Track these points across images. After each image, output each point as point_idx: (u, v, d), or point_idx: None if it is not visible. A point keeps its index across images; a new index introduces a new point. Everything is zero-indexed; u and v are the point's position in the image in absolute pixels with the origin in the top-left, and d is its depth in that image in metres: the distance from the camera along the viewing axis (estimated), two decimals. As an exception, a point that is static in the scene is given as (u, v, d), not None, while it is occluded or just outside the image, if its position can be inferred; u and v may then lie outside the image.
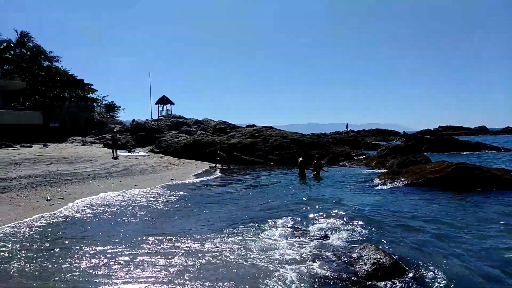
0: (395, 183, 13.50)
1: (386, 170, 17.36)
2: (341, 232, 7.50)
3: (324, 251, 6.24)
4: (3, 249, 6.30)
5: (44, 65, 49.26)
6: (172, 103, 47.49)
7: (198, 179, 17.78)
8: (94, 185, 13.66)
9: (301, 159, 17.98)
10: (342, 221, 8.35)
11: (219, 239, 6.99)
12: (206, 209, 10.13)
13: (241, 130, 32.46)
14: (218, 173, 20.50)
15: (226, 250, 6.32)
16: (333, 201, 11.00)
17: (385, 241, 6.79)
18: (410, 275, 5.25)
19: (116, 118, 51.66)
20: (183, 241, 6.87)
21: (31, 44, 51.13)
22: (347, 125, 64.82)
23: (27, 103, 42.15)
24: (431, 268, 5.46)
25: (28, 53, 50.29)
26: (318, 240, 6.91)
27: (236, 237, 7.15)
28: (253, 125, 34.54)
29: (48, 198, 10.58)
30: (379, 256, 5.46)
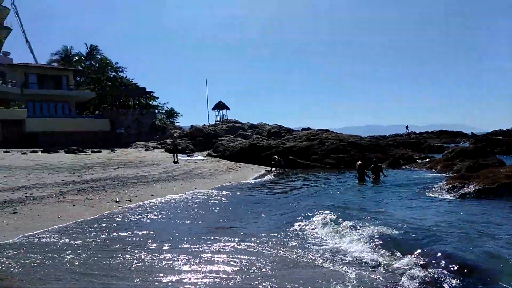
0: (465, 188, 12.53)
1: (453, 174, 16.22)
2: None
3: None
4: (78, 242, 6.79)
5: (111, 75, 52.97)
6: (228, 108, 48.63)
7: (254, 182, 17.96)
8: (157, 188, 14.34)
9: (359, 162, 17.43)
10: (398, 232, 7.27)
11: (276, 239, 6.95)
12: (262, 211, 10.18)
13: (296, 133, 32.27)
14: (273, 177, 20.54)
15: (283, 250, 6.26)
16: (391, 207, 10.47)
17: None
18: None
19: (176, 123, 53.98)
20: (243, 239, 6.93)
21: (99, 56, 55.31)
22: (407, 127, 61.78)
23: (97, 112, 45.55)
24: None
25: (97, 64, 54.42)
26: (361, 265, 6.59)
27: (293, 238, 7.07)
28: (308, 129, 34.18)
29: (117, 200, 11.28)
30: None
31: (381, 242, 6.55)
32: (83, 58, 54.48)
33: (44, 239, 6.97)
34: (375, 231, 7.15)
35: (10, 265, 5.48)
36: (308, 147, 26.62)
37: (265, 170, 23.04)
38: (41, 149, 27.57)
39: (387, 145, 29.24)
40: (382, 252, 6.17)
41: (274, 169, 22.72)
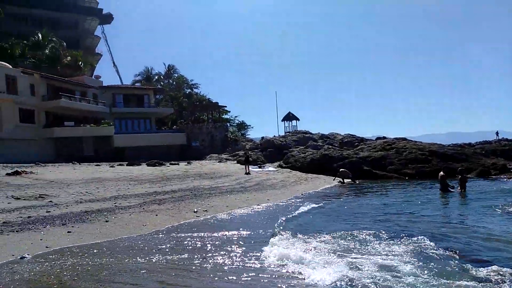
0: None
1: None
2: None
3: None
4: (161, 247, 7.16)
5: (187, 92, 56.24)
6: (297, 119, 48.50)
7: (327, 193, 17.51)
8: (231, 198, 14.67)
9: (442, 173, 16.12)
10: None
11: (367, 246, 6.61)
12: (340, 222, 9.82)
13: (370, 143, 30.97)
14: (346, 188, 19.87)
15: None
16: (480, 226, 9.37)
17: None
18: None
19: (247, 136, 55.32)
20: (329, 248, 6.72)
21: (176, 75, 59.17)
22: (497, 133, 55.87)
23: (174, 126, 48.49)
24: None
25: (174, 82, 58.23)
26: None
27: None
28: (384, 137, 32.59)
29: (195, 210, 11.75)
30: None
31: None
32: (162, 77, 58.78)
33: (133, 243, 7.48)
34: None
35: (103, 260, 5.96)
36: (384, 157, 25.37)
37: (338, 181, 22.41)
38: (126, 162, 29.99)
39: (474, 153, 26.66)
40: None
41: (347, 180, 22.02)
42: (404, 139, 29.31)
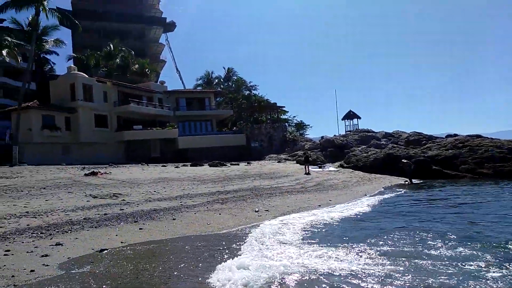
0: None
1: None
2: None
3: None
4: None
5: (246, 93, 57.17)
6: (358, 117, 47.02)
7: (393, 194, 16.68)
8: (292, 199, 14.59)
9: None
10: None
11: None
12: (409, 223, 9.28)
13: (440, 141, 28.99)
14: (413, 188, 18.78)
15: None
16: None
17: None
18: None
19: (306, 135, 54.79)
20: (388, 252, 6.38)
21: (235, 78, 60.45)
22: None
23: (234, 128, 49.52)
24: None
25: (233, 85, 59.52)
26: None
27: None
28: (455, 135, 30.32)
29: (256, 210, 11.85)
30: None
31: None
32: (221, 80, 60.44)
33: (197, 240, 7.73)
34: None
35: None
36: (456, 155, 23.63)
37: (403, 181, 21.30)
38: (190, 163, 31.21)
39: None
40: None
41: (409, 180, 20.92)
42: (479, 136, 26.99)
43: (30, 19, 37.56)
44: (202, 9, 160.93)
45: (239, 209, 11.90)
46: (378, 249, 7.00)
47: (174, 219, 9.87)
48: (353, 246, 7.26)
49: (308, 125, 59.58)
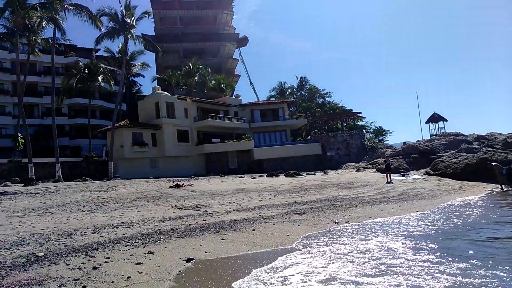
0: None
1: None
2: None
3: None
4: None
5: (319, 102, 56.50)
6: (444, 120, 43.46)
7: (487, 203, 14.97)
8: (373, 209, 13.89)
9: None
10: None
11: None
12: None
13: (546, 142, 25.45)
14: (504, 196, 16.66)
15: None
16: None
17: None
18: None
19: (385, 142, 52.14)
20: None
21: (308, 86, 60.18)
22: None
23: (309, 137, 49.12)
24: None
25: (306, 94, 59.28)
26: None
27: None
28: None
29: (336, 221, 11.50)
30: None
31: None
32: (294, 90, 60.65)
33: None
34: None
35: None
36: None
37: (500, 188, 19.05)
38: (266, 174, 31.59)
39: None
40: None
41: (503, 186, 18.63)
42: None
43: (120, 47, 41.80)
44: (273, 22, 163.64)
45: (317, 220, 11.67)
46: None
47: (254, 230, 10.00)
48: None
49: (388, 130, 56.69)
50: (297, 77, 61.73)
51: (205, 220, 11.19)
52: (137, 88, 61.13)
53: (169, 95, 41.32)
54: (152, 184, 25.08)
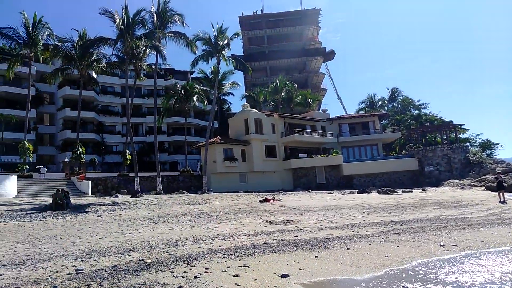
0: None
1: None
2: None
3: None
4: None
5: (414, 113, 52.84)
6: None
7: None
8: (485, 232, 12.27)
9: None
10: None
11: None
12: None
13: None
14: None
15: None
16: None
17: None
18: None
19: (494, 156, 46.40)
20: None
21: (400, 98, 56.80)
22: None
23: (403, 151, 46.05)
24: None
25: (399, 105, 55.96)
26: None
27: None
28: None
29: (441, 243, 10.41)
30: None
31: None
32: (386, 102, 57.80)
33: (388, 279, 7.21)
34: None
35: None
36: None
37: None
38: (357, 190, 30.30)
39: None
40: None
41: None
42: None
43: (212, 68, 44.56)
44: (360, 34, 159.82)
45: (419, 242, 10.69)
46: None
47: (348, 248, 9.54)
48: None
49: (497, 144, 50.46)
50: (388, 89, 59.06)
51: (296, 236, 11.05)
52: (227, 106, 64.28)
53: (257, 111, 42.57)
54: (242, 198, 25.81)
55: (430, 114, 52.50)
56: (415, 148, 42.29)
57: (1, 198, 25.02)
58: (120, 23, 29.67)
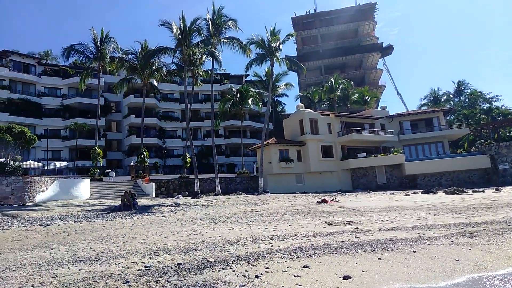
0: None
1: None
2: None
3: None
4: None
5: (484, 107, 48.87)
6: None
7: None
8: None
9: None
10: None
11: None
12: None
13: None
14: None
15: None
16: None
17: None
18: None
19: None
20: None
21: (468, 91, 52.85)
22: None
23: (472, 148, 42.79)
24: None
25: (466, 99, 52.10)
26: None
27: None
28: None
29: (521, 247, 9.49)
30: None
31: None
32: (451, 96, 54.19)
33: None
34: None
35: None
36: None
37: None
38: (421, 190, 28.71)
39: None
40: None
41: None
42: None
43: (266, 71, 44.92)
44: (419, 26, 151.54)
45: (494, 245, 9.84)
46: None
47: (414, 251, 9.06)
48: None
49: None
50: (453, 82, 55.14)
51: (357, 237, 10.74)
52: (281, 107, 64.38)
53: (312, 111, 42.12)
54: (299, 199, 25.65)
55: (503, 107, 48.17)
56: (486, 144, 38.97)
57: (77, 200, 27.35)
58: (178, 33, 31.02)
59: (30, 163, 37.95)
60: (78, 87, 40.93)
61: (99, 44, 36.74)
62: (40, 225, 14.80)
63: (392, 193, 29.32)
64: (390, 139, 42.29)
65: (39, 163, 40.88)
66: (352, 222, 13.80)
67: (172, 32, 31.30)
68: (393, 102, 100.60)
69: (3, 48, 46.86)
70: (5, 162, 26.89)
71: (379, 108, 49.61)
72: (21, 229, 13.88)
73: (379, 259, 8.29)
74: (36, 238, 11.50)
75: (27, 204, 24.38)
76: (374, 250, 9.07)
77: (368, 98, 51.56)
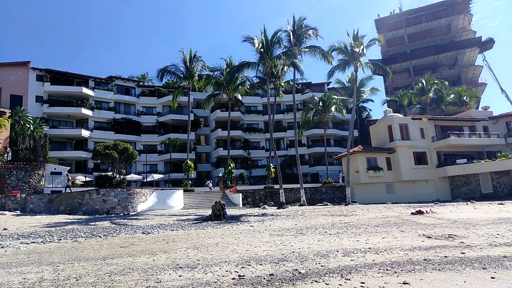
0: None
1: None
2: None
3: None
4: None
5: None
6: None
7: None
8: None
9: None
10: None
11: None
12: None
13: None
14: None
15: None
16: None
17: None
18: None
19: None
20: None
21: None
22: None
23: None
24: None
25: None
26: None
27: None
28: None
29: None
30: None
31: None
32: None
33: None
34: None
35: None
36: None
37: None
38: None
39: None
40: None
41: None
42: None
43: (349, 76, 43.69)
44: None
45: None
46: None
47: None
48: None
49: None
50: None
51: (463, 253, 9.65)
52: (366, 113, 61.84)
53: (402, 116, 39.67)
54: (391, 209, 24.15)
55: None
56: None
57: (172, 210, 29.41)
58: (260, 46, 31.90)
59: (132, 176, 42.10)
60: (170, 105, 44.48)
61: (188, 64, 39.53)
62: (142, 233, 16.21)
63: (501, 203, 25.96)
64: (496, 143, 37.67)
65: (139, 176, 45.12)
66: (455, 235, 12.49)
67: (254, 46, 32.28)
68: (497, 102, 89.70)
69: (109, 74, 53.17)
70: (112, 176, 30.23)
71: (480, 109, 44.71)
72: (127, 236, 15.35)
73: (492, 277, 7.32)
74: (140, 245, 12.58)
75: (130, 213, 26.98)
76: (485, 268, 8.06)
77: (466, 98, 46.80)
